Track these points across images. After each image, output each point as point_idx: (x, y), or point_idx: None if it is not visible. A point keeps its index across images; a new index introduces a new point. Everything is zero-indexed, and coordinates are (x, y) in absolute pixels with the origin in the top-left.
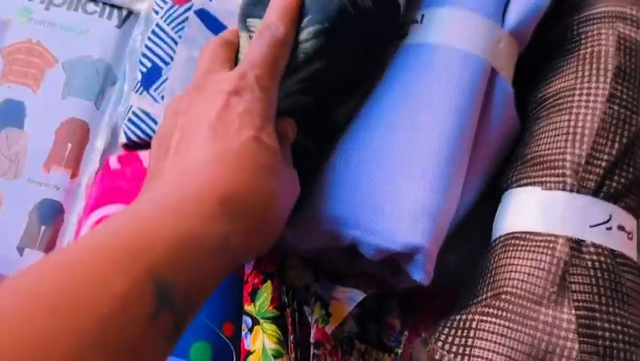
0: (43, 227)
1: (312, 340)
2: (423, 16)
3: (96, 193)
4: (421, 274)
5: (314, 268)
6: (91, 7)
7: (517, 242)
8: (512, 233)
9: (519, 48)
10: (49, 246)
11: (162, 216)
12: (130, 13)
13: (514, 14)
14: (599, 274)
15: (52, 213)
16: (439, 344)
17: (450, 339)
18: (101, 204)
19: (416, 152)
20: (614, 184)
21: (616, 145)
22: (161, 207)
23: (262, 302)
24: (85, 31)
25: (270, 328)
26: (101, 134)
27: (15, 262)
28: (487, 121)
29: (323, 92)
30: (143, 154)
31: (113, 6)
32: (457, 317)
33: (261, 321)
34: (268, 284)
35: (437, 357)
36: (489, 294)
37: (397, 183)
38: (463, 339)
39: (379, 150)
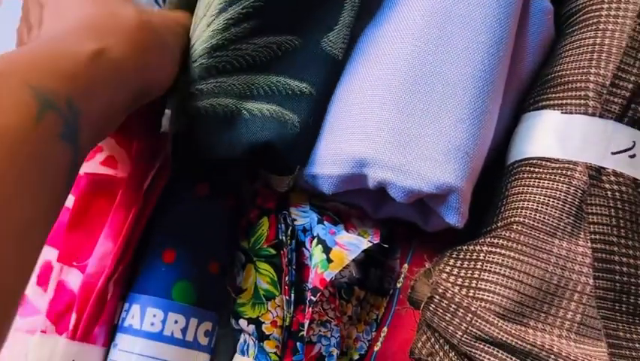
0: None
1: (309, 285)
2: None
3: None
4: (455, 216)
5: (319, 207)
6: None
7: (531, 169)
8: (527, 159)
9: None
10: None
11: (35, 46)
12: None
13: None
14: (619, 205)
15: None
16: (444, 276)
17: (455, 271)
18: None
19: (448, 77)
20: None
21: None
22: (36, 44)
23: (256, 239)
24: None
25: (264, 267)
26: None
27: None
28: (523, 42)
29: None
30: None
31: None
32: (464, 248)
33: (255, 260)
34: (264, 220)
35: (440, 290)
36: (499, 224)
37: (428, 116)
38: (470, 271)
39: (405, 77)
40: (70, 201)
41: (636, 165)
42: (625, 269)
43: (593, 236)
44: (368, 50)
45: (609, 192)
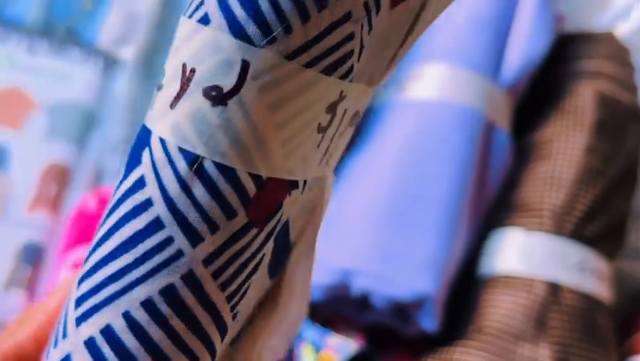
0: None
1: None
2: (420, 72)
3: (74, 232)
4: (430, 322)
5: (310, 314)
6: (75, 53)
7: (499, 281)
8: (495, 273)
9: (515, 100)
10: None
11: None
12: (113, 60)
13: (509, 73)
14: (573, 313)
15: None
16: None
17: None
18: (78, 243)
19: (423, 199)
20: (590, 230)
21: (591, 194)
22: None
23: None
24: (68, 76)
25: None
26: (83, 178)
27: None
28: (487, 170)
29: None
30: None
31: (97, 52)
32: (440, 348)
33: None
34: None
35: None
36: (471, 327)
37: (405, 233)
38: None
39: (385, 199)
40: None
41: (587, 278)
42: None
43: (552, 339)
44: (351, 175)
45: (564, 302)
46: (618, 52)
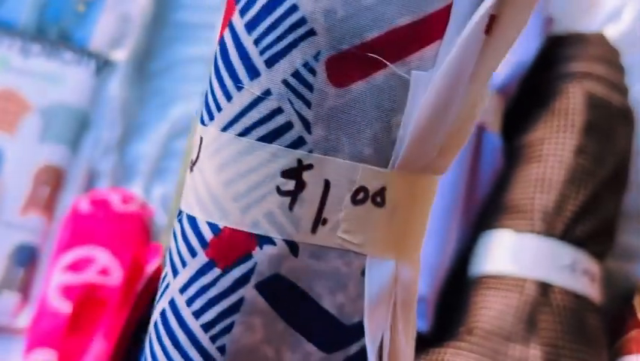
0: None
1: None
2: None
3: (67, 235)
4: (422, 323)
5: None
6: (68, 55)
7: (489, 282)
8: (485, 273)
9: (505, 102)
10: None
11: None
12: (106, 61)
13: (499, 75)
14: (564, 314)
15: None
16: None
17: None
18: (71, 245)
19: None
20: (580, 230)
21: (581, 195)
22: None
23: None
24: (61, 78)
25: None
26: (77, 180)
27: None
28: (477, 173)
29: None
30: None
31: (90, 54)
32: (431, 350)
33: None
34: None
35: None
36: (462, 328)
37: None
38: None
39: None
40: (67, 307)
41: (578, 279)
42: None
43: (542, 340)
44: None
45: (554, 303)
46: (608, 53)
